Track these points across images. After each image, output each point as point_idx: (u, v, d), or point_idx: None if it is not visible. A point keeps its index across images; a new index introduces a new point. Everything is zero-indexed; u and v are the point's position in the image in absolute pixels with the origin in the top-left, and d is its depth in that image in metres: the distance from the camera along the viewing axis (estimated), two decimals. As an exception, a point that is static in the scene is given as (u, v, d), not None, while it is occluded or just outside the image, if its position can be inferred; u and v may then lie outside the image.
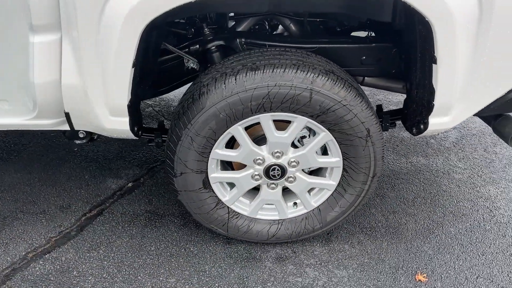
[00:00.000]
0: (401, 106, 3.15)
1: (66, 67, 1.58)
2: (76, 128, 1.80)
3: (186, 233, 2.10)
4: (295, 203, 1.96)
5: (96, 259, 1.95)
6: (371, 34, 2.23)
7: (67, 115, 1.73)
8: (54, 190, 2.37)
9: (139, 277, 1.87)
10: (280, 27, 2.37)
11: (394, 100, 3.37)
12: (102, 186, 2.41)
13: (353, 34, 2.32)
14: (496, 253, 2.03)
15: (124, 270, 1.90)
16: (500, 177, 2.54)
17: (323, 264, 1.95)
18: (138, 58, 1.60)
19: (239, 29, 2.12)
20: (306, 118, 1.69)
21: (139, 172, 2.54)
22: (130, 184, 2.44)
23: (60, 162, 2.59)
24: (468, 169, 2.61)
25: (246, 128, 1.75)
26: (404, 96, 2.09)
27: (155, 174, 2.52)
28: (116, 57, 1.51)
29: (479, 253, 2.02)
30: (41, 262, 1.92)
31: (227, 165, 1.95)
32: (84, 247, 2.01)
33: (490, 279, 1.89)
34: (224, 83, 1.63)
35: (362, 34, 2.27)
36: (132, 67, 1.56)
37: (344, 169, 1.82)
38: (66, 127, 1.82)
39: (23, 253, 1.97)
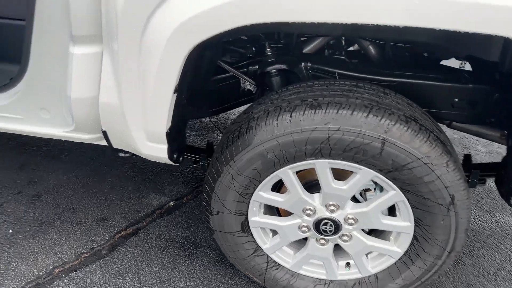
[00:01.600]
0: (493, 156, 2.62)
1: (105, 84, 1.42)
2: (114, 146, 1.66)
3: (220, 272, 1.89)
4: (348, 264, 1.66)
5: (122, 287, 1.80)
6: (464, 64, 1.86)
7: (104, 133, 1.59)
8: (95, 199, 2.28)
9: (161, 317, 1.69)
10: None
11: (482, 141, 2.90)
12: (143, 201, 2.28)
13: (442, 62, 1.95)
14: None
15: (146, 306, 1.73)
16: None
17: None
18: (184, 81, 1.40)
19: (307, 49, 1.85)
20: (374, 172, 1.37)
21: (183, 190, 2.37)
22: (172, 203, 2.28)
23: (107, 169, 2.50)
24: None
25: (297, 171, 1.49)
26: (502, 146, 1.69)
27: (199, 195, 2.34)
28: (156, 81, 1.32)
29: None
30: (65, 281, 1.81)
31: (273, 208, 1.70)
32: (112, 270, 1.87)
33: None
34: (277, 120, 1.37)
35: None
36: (174, 93, 1.37)
37: (414, 236, 1.48)
38: (105, 143, 1.69)
39: (51, 267, 1.87)
